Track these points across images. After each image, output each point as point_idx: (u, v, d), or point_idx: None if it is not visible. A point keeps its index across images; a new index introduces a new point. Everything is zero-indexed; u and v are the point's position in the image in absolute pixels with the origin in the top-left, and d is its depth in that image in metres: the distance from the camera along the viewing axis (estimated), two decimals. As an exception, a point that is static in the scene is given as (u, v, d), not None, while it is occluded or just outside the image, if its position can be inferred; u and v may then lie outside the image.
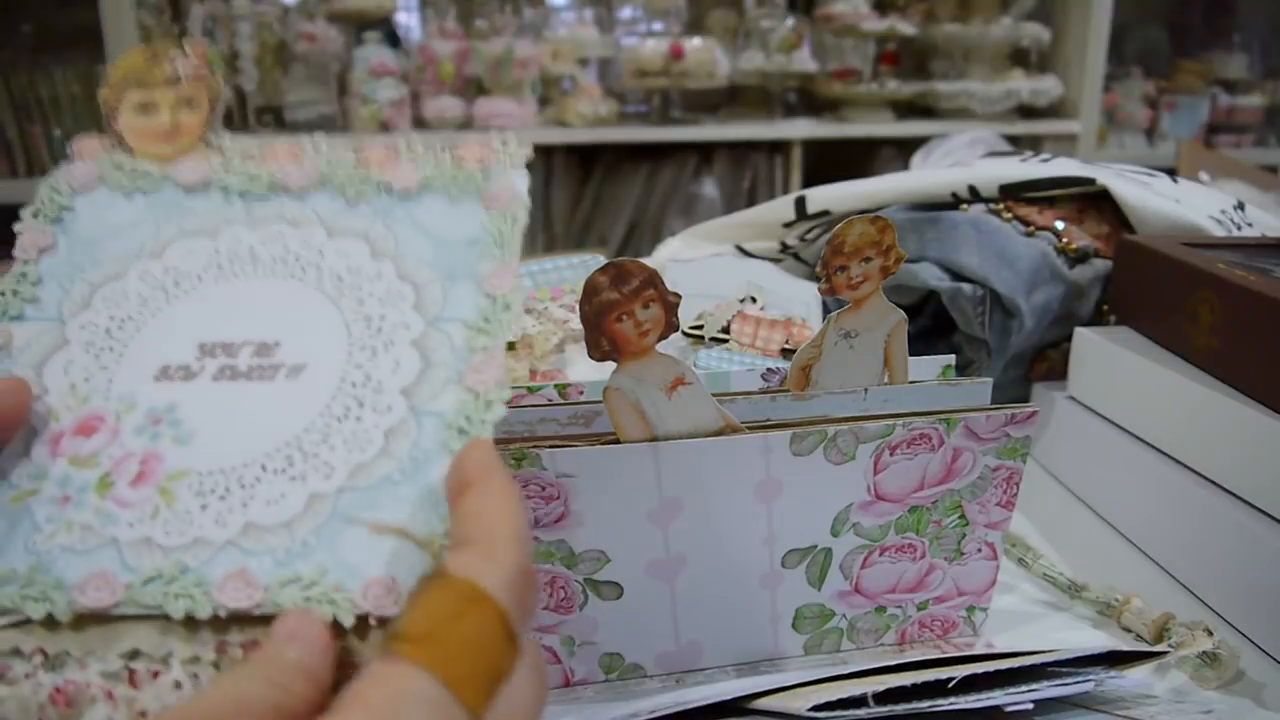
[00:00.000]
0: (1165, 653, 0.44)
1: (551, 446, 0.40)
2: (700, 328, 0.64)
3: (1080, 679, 0.40)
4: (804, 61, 2.10)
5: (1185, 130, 2.38)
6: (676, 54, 2.04)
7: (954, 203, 0.70)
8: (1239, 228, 0.69)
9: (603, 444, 0.41)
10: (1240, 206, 0.73)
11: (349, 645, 0.26)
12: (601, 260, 0.50)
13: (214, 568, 0.27)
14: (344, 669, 0.25)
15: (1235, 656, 0.45)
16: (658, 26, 2.23)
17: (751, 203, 1.96)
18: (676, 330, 0.40)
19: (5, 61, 1.89)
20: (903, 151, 2.05)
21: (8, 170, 1.91)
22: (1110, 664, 0.42)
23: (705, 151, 2.15)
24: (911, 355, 0.46)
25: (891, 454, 0.44)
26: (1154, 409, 0.54)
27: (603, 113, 2.04)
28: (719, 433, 0.42)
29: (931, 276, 0.65)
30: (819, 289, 0.44)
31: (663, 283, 0.39)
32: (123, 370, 0.31)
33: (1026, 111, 2.22)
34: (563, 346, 0.63)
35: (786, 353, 0.61)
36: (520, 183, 0.34)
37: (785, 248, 0.80)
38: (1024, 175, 0.69)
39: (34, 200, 0.34)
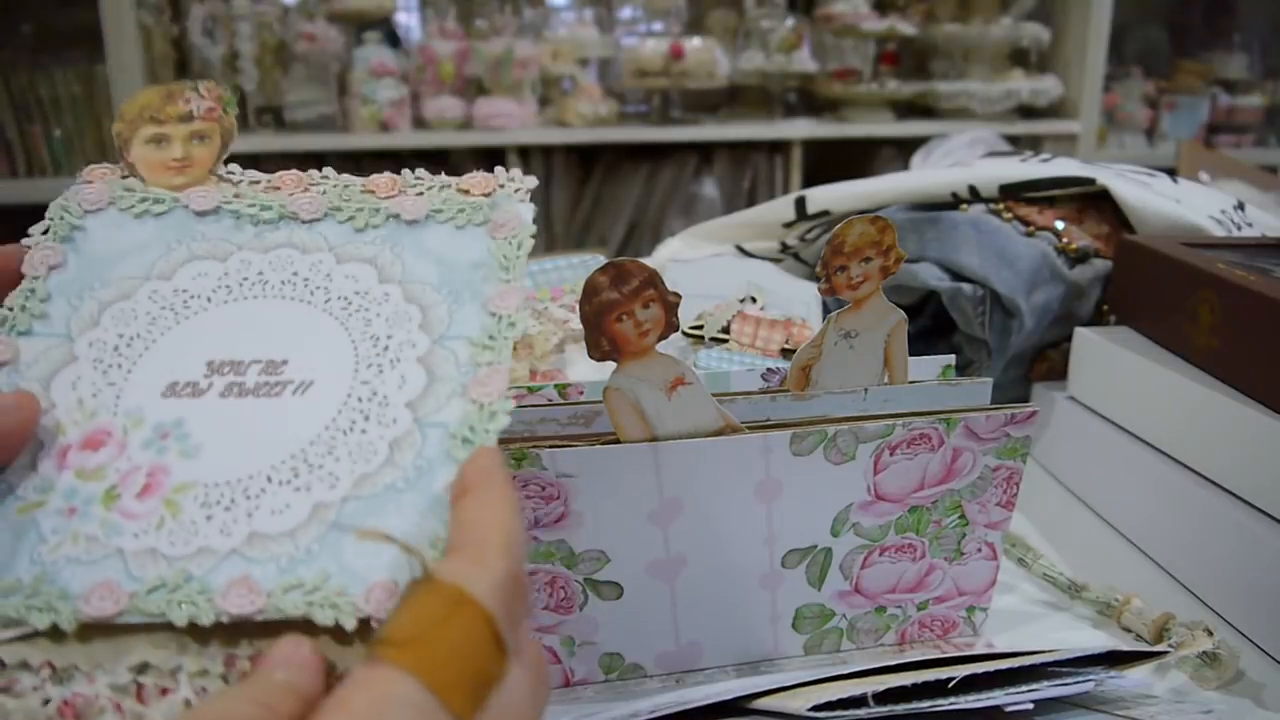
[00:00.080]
0: (1165, 653, 0.44)
1: (551, 446, 0.40)
2: (700, 328, 0.64)
3: (1080, 679, 0.40)
4: (804, 61, 2.10)
5: (1185, 130, 2.37)
6: (676, 54, 2.04)
7: (954, 203, 0.70)
8: (1239, 228, 0.69)
9: (603, 444, 0.41)
10: (1240, 206, 0.73)
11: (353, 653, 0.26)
12: (601, 260, 0.50)
13: (218, 575, 0.27)
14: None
15: (1235, 656, 0.45)
16: (658, 26, 2.23)
17: (751, 203, 1.96)
18: (676, 330, 0.40)
19: (5, 61, 1.88)
20: (903, 151, 2.05)
21: (8, 170, 1.91)
22: (1110, 664, 0.42)
23: (705, 151, 2.15)
24: (911, 355, 0.46)
25: (891, 454, 0.44)
26: (1154, 409, 0.54)
27: (603, 113, 2.04)
28: (719, 433, 0.42)
29: (931, 276, 0.65)
30: (819, 289, 0.44)
31: (663, 283, 0.39)
32: (131, 386, 0.31)
33: (1026, 111, 2.22)
34: (563, 346, 0.63)
35: (786, 353, 0.61)
36: (526, 212, 0.35)
37: (785, 248, 0.80)
38: (1024, 175, 0.69)
39: (44, 216, 0.35)
